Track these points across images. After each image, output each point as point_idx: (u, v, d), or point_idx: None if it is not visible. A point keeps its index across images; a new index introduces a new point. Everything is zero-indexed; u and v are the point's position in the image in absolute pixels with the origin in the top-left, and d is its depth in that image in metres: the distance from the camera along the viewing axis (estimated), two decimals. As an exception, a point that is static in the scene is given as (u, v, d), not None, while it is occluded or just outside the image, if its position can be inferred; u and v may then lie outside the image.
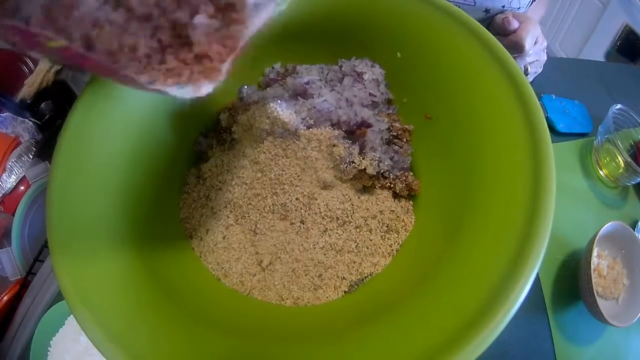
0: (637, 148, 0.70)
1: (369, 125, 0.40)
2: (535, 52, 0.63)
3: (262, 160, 0.39)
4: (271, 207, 0.40)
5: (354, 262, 0.39)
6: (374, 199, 0.41)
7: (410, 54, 0.41)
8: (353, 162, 0.39)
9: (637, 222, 0.67)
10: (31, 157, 0.66)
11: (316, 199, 0.39)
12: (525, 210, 0.28)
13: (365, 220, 0.40)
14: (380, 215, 0.40)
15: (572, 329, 0.57)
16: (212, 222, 0.41)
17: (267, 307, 0.38)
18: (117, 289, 0.31)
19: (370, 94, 0.42)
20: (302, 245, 0.39)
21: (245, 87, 0.45)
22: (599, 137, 0.69)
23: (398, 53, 0.41)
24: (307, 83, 0.41)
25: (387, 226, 0.40)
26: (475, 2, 0.63)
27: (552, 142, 0.30)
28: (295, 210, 0.39)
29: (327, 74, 0.43)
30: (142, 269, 0.33)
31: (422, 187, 0.41)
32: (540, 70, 0.68)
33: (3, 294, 0.55)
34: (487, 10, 0.65)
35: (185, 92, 0.23)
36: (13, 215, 0.60)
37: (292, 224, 0.40)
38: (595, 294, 0.53)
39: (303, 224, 0.39)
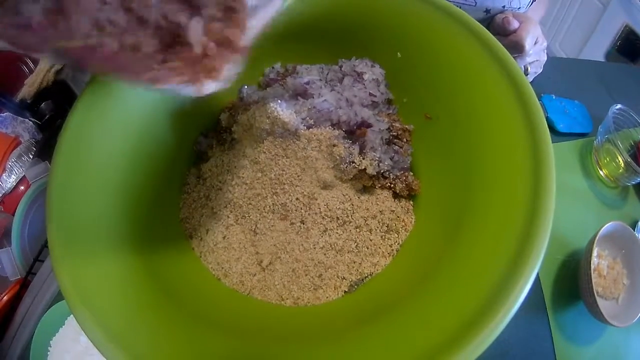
0: (637, 148, 0.70)
1: (369, 125, 0.40)
2: (536, 52, 0.63)
3: (262, 160, 0.39)
4: (271, 207, 0.40)
5: (354, 262, 0.39)
6: (374, 199, 0.41)
7: (410, 54, 0.41)
8: (353, 162, 0.39)
9: (637, 222, 0.67)
10: (31, 157, 0.66)
11: (316, 199, 0.39)
12: (526, 210, 0.28)
13: (365, 220, 0.40)
14: (380, 215, 0.40)
15: (572, 328, 0.57)
16: (212, 222, 0.41)
17: (267, 307, 0.38)
18: (117, 289, 0.31)
19: (370, 94, 0.42)
20: (302, 245, 0.39)
21: (246, 87, 0.45)
22: (599, 137, 0.69)
23: (398, 53, 0.42)
24: (307, 83, 0.41)
25: (387, 226, 0.40)
26: (475, 2, 0.63)
27: (552, 142, 0.30)
28: (296, 210, 0.39)
29: (327, 74, 0.43)
30: (142, 269, 0.33)
31: (422, 187, 0.41)
32: (540, 70, 0.68)
33: (3, 294, 0.55)
34: (487, 11, 0.65)
35: (190, 91, 0.24)
36: (13, 215, 0.60)
37: (292, 223, 0.40)
38: (595, 294, 0.53)
39: (303, 223, 0.39)
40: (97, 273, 0.30)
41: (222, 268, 0.39)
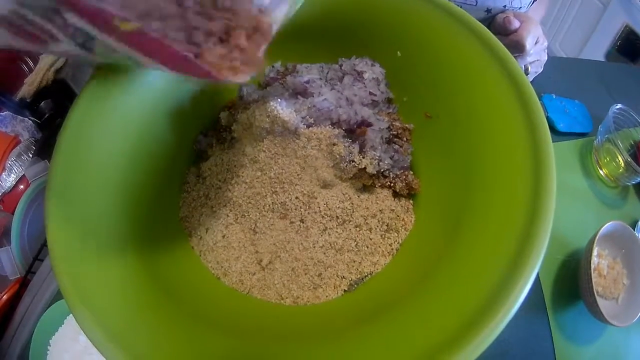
0: (637, 148, 0.70)
1: (369, 124, 0.40)
2: (536, 52, 0.63)
3: (261, 159, 0.39)
4: (271, 205, 0.40)
5: (354, 261, 0.39)
6: (373, 197, 0.41)
7: (410, 53, 0.41)
8: (353, 161, 0.39)
9: (637, 221, 0.67)
10: (31, 155, 0.66)
11: (316, 198, 0.39)
12: (526, 209, 0.28)
13: (365, 219, 0.39)
14: (380, 214, 0.40)
15: (572, 328, 0.57)
16: (212, 221, 0.41)
17: (267, 306, 0.38)
18: (116, 288, 0.31)
19: (371, 93, 0.42)
20: (301, 244, 0.39)
21: (245, 86, 0.45)
22: (599, 137, 0.69)
23: (398, 52, 0.41)
24: (307, 82, 0.41)
25: (387, 225, 0.40)
26: (476, 2, 0.63)
27: (552, 142, 0.30)
28: (295, 209, 0.39)
29: (327, 73, 0.43)
30: (142, 268, 0.33)
31: (422, 186, 0.41)
32: (540, 70, 0.68)
33: (3, 293, 0.55)
34: (488, 10, 0.65)
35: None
36: (13, 214, 0.60)
37: (291, 222, 0.40)
38: (595, 293, 0.53)
39: (303, 222, 0.39)
40: (96, 272, 0.30)
41: (222, 267, 0.39)
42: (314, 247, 0.39)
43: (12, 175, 0.64)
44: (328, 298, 0.38)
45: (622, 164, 0.66)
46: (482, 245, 0.30)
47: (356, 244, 0.39)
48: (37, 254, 0.58)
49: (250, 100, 0.41)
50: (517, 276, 0.26)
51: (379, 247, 0.39)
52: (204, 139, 0.44)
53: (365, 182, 0.40)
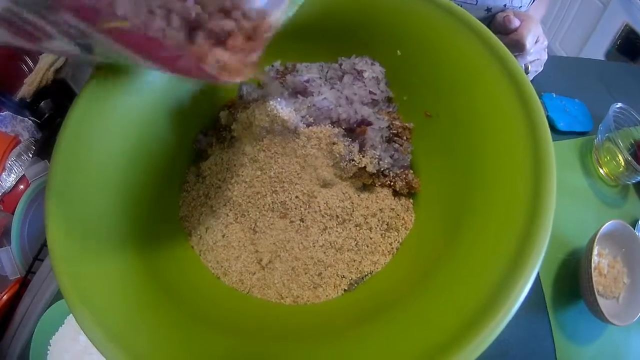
0: (637, 146, 0.70)
1: (369, 123, 0.40)
2: (536, 51, 0.63)
3: (261, 158, 0.39)
4: (271, 205, 0.40)
5: (354, 261, 0.39)
6: (374, 197, 0.40)
7: (410, 52, 0.41)
8: (353, 160, 0.39)
9: (638, 220, 0.67)
10: (31, 155, 0.66)
11: (316, 197, 0.39)
12: (526, 208, 0.28)
13: (365, 219, 0.39)
14: (380, 213, 0.40)
15: (572, 327, 0.57)
16: (212, 220, 0.41)
17: (267, 305, 0.38)
18: (116, 288, 0.31)
19: (370, 92, 0.42)
20: (301, 243, 0.39)
21: (245, 85, 0.45)
22: (600, 136, 0.69)
23: (398, 51, 0.41)
24: (307, 81, 0.41)
25: (387, 224, 0.40)
26: (477, 1, 0.63)
27: (553, 141, 0.30)
28: (295, 209, 0.39)
29: (327, 72, 0.43)
30: (142, 267, 0.33)
31: (422, 185, 0.41)
32: (541, 69, 0.68)
33: (3, 293, 0.55)
34: (488, 9, 0.65)
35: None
36: (13, 214, 0.60)
37: (291, 222, 0.40)
38: (596, 292, 0.53)
39: (303, 222, 0.39)
40: (96, 272, 0.30)
41: (222, 266, 0.39)
42: (314, 246, 0.39)
43: (12, 175, 0.64)
44: (328, 297, 0.38)
45: (623, 163, 0.66)
46: (482, 245, 0.30)
47: (356, 243, 0.39)
48: (37, 254, 0.58)
49: (250, 100, 0.41)
50: (517, 275, 0.26)
51: (379, 246, 0.39)
52: (204, 138, 0.44)
53: (365, 181, 0.40)
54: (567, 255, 0.61)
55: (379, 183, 0.41)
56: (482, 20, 0.46)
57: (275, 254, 0.39)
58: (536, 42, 0.62)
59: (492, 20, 0.64)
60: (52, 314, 0.50)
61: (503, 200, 0.30)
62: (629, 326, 0.55)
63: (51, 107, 0.69)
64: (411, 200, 0.42)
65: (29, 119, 0.69)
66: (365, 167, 0.39)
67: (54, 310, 0.51)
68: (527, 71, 0.64)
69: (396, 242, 0.40)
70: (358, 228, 0.39)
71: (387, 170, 0.40)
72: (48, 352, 0.49)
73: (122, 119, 0.35)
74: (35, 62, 0.69)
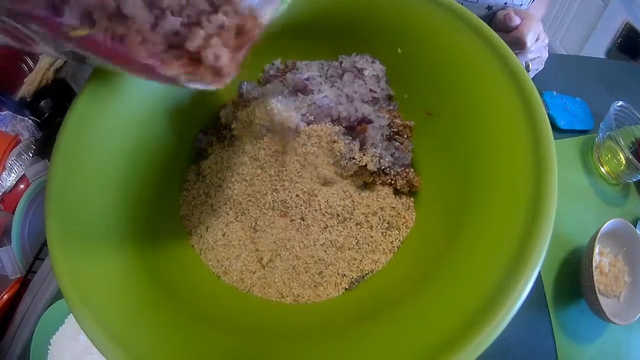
0: (638, 145, 0.70)
1: (370, 122, 0.40)
2: (537, 49, 0.63)
3: (261, 157, 0.39)
4: (271, 203, 0.39)
5: (355, 259, 0.39)
6: (374, 195, 0.40)
7: (411, 50, 0.41)
8: (353, 158, 0.39)
9: (639, 219, 0.67)
10: (31, 155, 0.66)
11: (316, 196, 0.39)
12: (527, 207, 0.28)
13: (366, 217, 0.39)
14: (381, 212, 0.40)
15: (573, 326, 0.57)
16: (212, 219, 0.41)
17: (267, 304, 0.38)
18: (116, 287, 0.31)
19: (371, 90, 0.42)
20: (302, 242, 0.39)
21: (245, 83, 0.44)
22: (601, 134, 0.69)
23: (399, 49, 0.41)
24: (307, 79, 0.41)
25: (387, 223, 0.40)
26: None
27: (554, 139, 0.30)
28: (296, 207, 0.39)
29: (327, 70, 0.43)
30: (142, 267, 0.33)
31: (423, 184, 0.41)
32: (541, 67, 0.68)
33: (3, 293, 0.55)
34: (489, 7, 0.65)
35: (192, 85, 0.24)
36: (13, 213, 0.60)
37: (292, 220, 0.40)
38: (597, 291, 0.53)
39: (303, 220, 0.39)
40: (96, 271, 0.30)
41: (222, 265, 0.39)
42: (315, 245, 0.39)
43: (13, 174, 0.64)
44: (329, 296, 0.38)
45: (624, 162, 0.66)
46: (483, 243, 0.30)
47: (357, 242, 0.39)
48: (38, 253, 0.58)
49: (250, 98, 0.41)
50: (518, 274, 0.25)
51: (380, 244, 0.39)
52: (204, 137, 0.44)
53: (365, 179, 0.40)
54: (568, 254, 0.61)
55: (380, 181, 0.41)
56: (483, 18, 0.46)
57: (275, 252, 0.39)
58: (537, 40, 0.62)
59: (493, 18, 0.64)
60: (53, 314, 0.50)
61: (504, 198, 0.30)
62: (630, 325, 0.55)
63: (51, 107, 0.69)
64: (412, 199, 0.42)
65: (29, 119, 0.69)
66: (365, 165, 0.39)
67: (54, 309, 0.50)
68: (527, 69, 0.64)
69: (397, 240, 0.40)
70: (359, 226, 0.39)
71: (387, 169, 0.40)
72: (48, 351, 0.49)
73: (122, 118, 0.35)
74: (35, 61, 0.68)
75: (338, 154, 0.39)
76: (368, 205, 0.40)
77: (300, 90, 0.41)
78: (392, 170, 0.40)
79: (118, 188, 0.35)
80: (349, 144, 0.39)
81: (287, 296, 0.38)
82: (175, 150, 0.42)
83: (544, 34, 0.63)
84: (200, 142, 0.44)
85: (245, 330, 0.33)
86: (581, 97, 0.78)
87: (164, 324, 0.30)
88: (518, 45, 0.60)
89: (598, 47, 1.79)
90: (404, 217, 0.40)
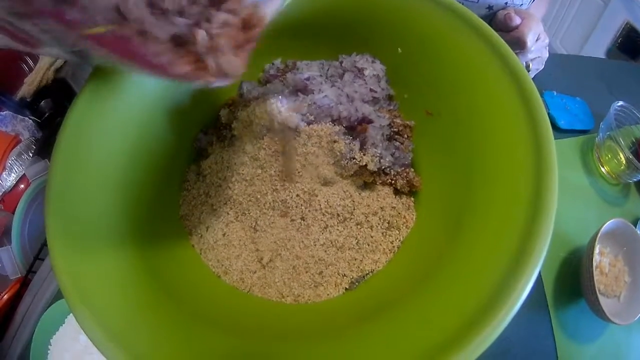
0: (638, 145, 0.70)
1: (370, 121, 0.40)
2: (537, 49, 0.63)
3: (262, 157, 0.39)
4: (271, 203, 0.39)
5: (355, 259, 0.39)
6: (374, 195, 0.40)
7: (411, 50, 0.41)
8: (354, 158, 0.39)
9: (639, 219, 0.67)
10: (31, 155, 0.66)
11: (317, 196, 0.39)
12: (528, 207, 0.28)
13: (366, 217, 0.39)
14: (381, 212, 0.40)
15: (573, 326, 0.57)
16: (212, 219, 0.41)
17: (268, 304, 0.38)
18: (116, 287, 0.31)
19: (371, 90, 0.41)
20: (302, 242, 0.39)
21: (245, 83, 0.44)
22: (601, 134, 0.69)
23: (399, 49, 0.41)
24: (308, 79, 0.41)
25: (388, 223, 0.40)
26: (478, -1, 0.63)
27: (554, 139, 0.30)
28: (296, 207, 0.39)
29: (328, 70, 0.43)
30: (142, 267, 0.33)
31: (423, 184, 0.41)
32: (541, 67, 0.67)
33: (3, 293, 0.55)
34: (490, 7, 0.65)
35: (195, 84, 0.24)
36: (13, 213, 0.60)
37: (292, 220, 0.39)
38: (597, 291, 0.53)
39: (303, 220, 0.39)
40: (96, 271, 0.30)
41: (222, 265, 0.39)
42: (315, 245, 0.39)
43: (13, 174, 0.64)
44: (329, 296, 0.38)
45: (624, 161, 0.66)
46: (483, 243, 0.30)
47: (357, 242, 0.39)
48: (38, 253, 0.58)
49: (251, 98, 0.41)
50: (519, 274, 0.25)
51: (380, 244, 0.39)
52: (204, 137, 0.44)
53: (366, 179, 0.40)
54: (569, 254, 0.61)
55: (380, 181, 0.41)
56: (484, 18, 0.46)
57: (276, 252, 0.39)
58: (537, 40, 0.62)
59: (494, 17, 0.64)
60: (53, 314, 0.50)
61: (504, 198, 0.30)
62: (630, 325, 0.55)
63: (51, 107, 0.69)
64: (412, 199, 0.42)
65: (29, 119, 0.69)
66: (366, 165, 0.39)
67: (54, 309, 0.50)
68: (528, 69, 0.64)
69: (397, 240, 0.40)
70: (359, 226, 0.39)
71: (388, 169, 0.40)
72: (48, 351, 0.49)
73: (122, 118, 0.35)
74: (35, 61, 0.69)
75: (338, 153, 0.39)
76: (368, 205, 0.40)
77: (301, 90, 0.41)
78: (392, 170, 0.40)
79: (118, 188, 0.35)
80: (349, 143, 0.39)
81: (288, 296, 0.38)
82: (176, 150, 0.42)
83: (544, 34, 0.63)
84: (201, 141, 0.44)
85: (245, 330, 0.33)
86: (581, 97, 0.78)
87: (164, 324, 0.30)
88: (518, 45, 0.60)
89: (598, 47, 1.79)
90: (404, 217, 0.40)
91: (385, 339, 0.29)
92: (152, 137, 0.38)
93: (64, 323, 0.50)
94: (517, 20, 0.60)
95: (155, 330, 0.30)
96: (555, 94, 0.76)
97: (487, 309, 0.25)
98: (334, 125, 0.39)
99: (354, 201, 0.40)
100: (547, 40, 0.64)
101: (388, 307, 0.32)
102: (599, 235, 0.56)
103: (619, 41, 1.70)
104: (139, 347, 0.27)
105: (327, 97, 0.39)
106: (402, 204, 0.41)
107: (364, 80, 0.42)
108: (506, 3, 0.65)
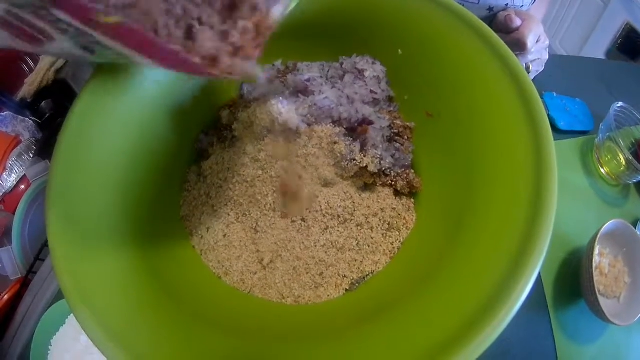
0: (638, 146, 0.70)
1: (370, 123, 0.40)
2: (537, 51, 0.63)
3: (262, 158, 0.39)
4: (272, 205, 0.39)
5: (355, 260, 0.39)
6: (375, 196, 0.40)
7: (411, 51, 0.41)
8: (354, 159, 0.39)
9: (639, 220, 0.67)
10: (31, 155, 0.66)
11: (317, 197, 0.39)
12: (528, 208, 0.28)
13: (367, 218, 0.39)
14: (382, 213, 0.40)
15: (573, 327, 0.57)
16: (213, 220, 0.41)
17: (268, 305, 0.38)
18: (117, 287, 0.31)
19: (372, 91, 0.42)
20: (303, 243, 0.39)
21: (246, 84, 0.45)
22: (601, 135, 0.69)
23: (399, 50, 0.41)
24: (308, 80, 0.41)
25: (388, 224, 0.40)
26: (479, 0, 0.63)
27: (554, 140, 0.30)
28: (296, 208, 0.39)
29: (328, 71, 0.43)
30: (143, 267, 0.33)
31: (423, 185, 0.41)
32: (541, 69, 0.68)
33: (4, 293, 0.55)
34: (490, 8, 0.65)
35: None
36: (13, 214, 0.60)
37: (293, 221, 0.40)
38: (597, 292, 0.53)
39: (304, 221, 0.39)
40: (97, 272, 0.30)
41: (223, 266, 0.39)
42: (316, 246, 0.39)
43: (13, 175, 0.64)
44: (329, 297, 0.38)
45: (623, 162, 0.66)
46: (483, 244, 0.30)
47: (357, 243, 0.39)
48: (38, 253, 0.58)
49: (251, 99, 0.41)
50: (519, 275, 0.25)
51: (381, 246, 0.39)
52: (205, 138, 0.44)
53: (366, 180, 0.40)
54: (568, 255, 0.61)
55: (380, 183, 0.41)
56: (484, 19, 0.46)
57: (276, 253, 0.39)
58: (537, 41, 0.62)
59: (494, 19, 0.64)
60: (53, 314, 0.50)
61: (504, 199, 0.30)
62: (630, 326, 0.55)
63: (52, 107, 0.69)
64: (412, 200, 0.42)
65: (30, 119, 0.69)
66: (366, 166, 0.39)
67: (54, 310, 0.50)
68: (528, 71, 0.64)
69: (397, 241, 0.40)
70: (359, 228, 0.39)
71: (388, 170, 0.40)
72: (49, 352, 0.49)
73: (122, 119, 0.35)
74: (36, 62, 0.69)
75: (339, 155, 0.39)
76: (368, 207, 0.40)
77: (301, 91, 0.41)
78: (392, 172, 0.40)
79: (119, 188, 0.35)
80: (350, 145, 0.39)
81: (288, 297, 0.38)
82: (176, 151, 0.42)
83: (545, 35, 0.64)
84: (202, 142, 0.44)
85: (246, 331, 0.33)
86: (581, 98, 0.78)
87: (164, 324, 0.30)
88: (519, 46, 0.60)
89: (598, 47, 1.79)
90: (405, 218, 0.40)
91: (386, 340, 0.29)
92: (153, 138, 0.38)
93: (64, 323, 0.50)
94: (517, 22, 0.60)
95: (155, 330, 0.30)
96: (555, 95, 0.76)
97: (487, 309, 0.25)
98: (335, 126, 0.39)
99: (354, 202, 0.40)
100: (547, 42, 0.64)
101: (388, 307, 0.32)
102: (598, 236, 0.56)
103: (618, 42, 1.70)
104: (139, 347, 0.27)
105: (328, 98, 0.40)
106: (403, 205, 0.41)
107: (365, 81, 0.42)
108: (507, 4, 0.65)
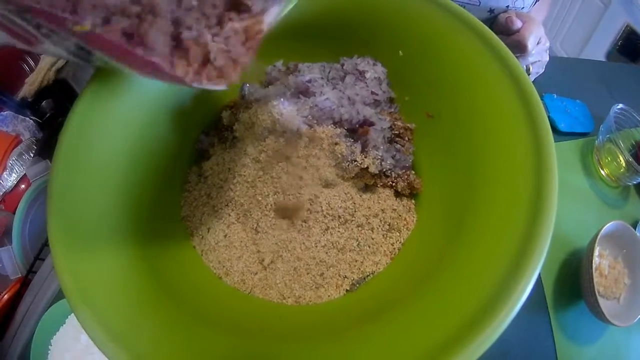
0: (638, 147, 0.70)
1: (371, 124, 0.40)
2: (538, 53, 0.63)
3: (263, 159, 0.39)
4: (273, 205, 0.40)
5: (356, 261, 0.39)
6: (375, 197, 0.41)
7: (412, 53, 0.41)
8: (355, 160, 0.39)
9: (638, 221, 0.67)
10: (32, 155, 0.66)
11: (318, 197, 0.39)
12: (528, 209, 0.28)
13: (367, 219, 0.39)
14: (382, 214, 0.40)
15: (573, 328, 0.57)
16: (214, 220, 0.41)
17: (269, 305, 0.38)
18: (118, 287, 0.31)
19: (372, 93, 0.42)
20: (303, 243, 0.39)
21: (247, 85, 0.45)
22: (601, 137, 0.69)
23: (400, 51, 0.41)
24: (309, 81, 0.41)
25: (389, 225, 0.40)
26: (480, 2, 0.63)
27: (554, 142, 0.30)
28: (297, 209, 0.39)
29: (329, 72, 0.43)
30: (143, 267, 0.33)
31: (424, 186, 0.41)
32: (542, 70, 0.68)
33: (4, 293, 0.55)
34: (491, 10, 0.65)
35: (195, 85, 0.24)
36: (14, 213, 0.60)
37: (293, 222, 0.40)
38: (597, 293, 0.53)
39: (305, 222, 0.39)
40: (98, 271, 0.30)
41: (224, 267, 0.39)
42: (316, 246, 0.39)
43: (14, 174, 0.64)
44: (330, 298, 0.38)
45: (623, 164, 0.66)
46: (484, 245, 0.30)
47: (358, 244, 0.39)
48: (38, 253, 0.58)
49: (252, 100, 0.41)
50: (519, 276, 0.26)
51: (381, 246, 0.39)
52: (206, 139, 0.44)
53: (367, 181, 0.40)
54: (568, 256, 0.61)
55: (381, 183, 0.41)
56: (485, 21, 0.46)
57: (277, 254, 0.39)
58: (538, 43, 0.62)
59: (495, 21, 0.64)
60: (53, 314, 0.50)
61: (505, 200, 0.30)
62: (630, 327, 0.55)
63: (52, 107, 0.69)
64: (413, 201, 0.42)
65: (30, 119, 0.69)
66: (367, 167, 0.39)
67: (55, 309, 0.51)
68: (528, 72, 0.64)
69: (398, 242, 0.40)
70: (360, 228, 0.39)
71: (389, 171, 0.40)
72: (49, 351, 0.49)
73: (123, 119, 0.35)
74: (36, 61, 0.69)
75: (340, 156, 0.39)
76: (369, 207, 0.40)
77: (302, 92, 0.41)
78: (393, 173, 0.40)
79: (120, 188, 0.35)
80: (351, 146, 0.39)
81: (289, 297, 0.38)
82: (177, 151, 0.42)
83: (545, 37, 0.64)
84: (202, 143, 0.44)
85: (246, 331, 0.33)
86: (581, 100, 0.78)
87: (165, 324, 0.30)
88: (519, 48, 0.60)
89: (598, 49, 1.79)
90: (405, 219, 0.40)
91: (386, 340, 0.29)
92: (154, 138, 0.39)
93: (64, 323, 0.50)
94: (518, 24, 0.60)
95: (156, 330, 0.30)
96: (555, 96, 0.76)
97: (488, 310, 0.25)
98: (336, 127, 0.39)
99: (355, 203, 0.40)
100: (547, 44, 0.65)
101: (389, 308, 0.32)
102: (598, 237, 0.56)
103: (619, 44, 1.70)
104: (140, 347, 0.27)
105: (329, 99, 0.40)
106: (403, 206, 0.41)
107: (365, 82, 0.42)
108: (508, 6, 0.65)
